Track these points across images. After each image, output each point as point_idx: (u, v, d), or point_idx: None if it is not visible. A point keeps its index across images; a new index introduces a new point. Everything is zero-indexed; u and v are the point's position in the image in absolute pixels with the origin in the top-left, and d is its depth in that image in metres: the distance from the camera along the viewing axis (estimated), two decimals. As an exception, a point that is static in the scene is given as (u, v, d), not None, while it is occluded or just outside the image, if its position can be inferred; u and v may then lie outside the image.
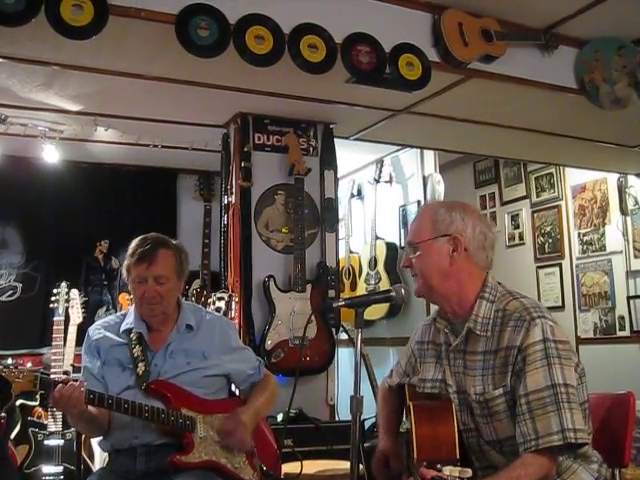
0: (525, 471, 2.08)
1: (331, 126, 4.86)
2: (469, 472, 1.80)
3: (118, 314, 3.14)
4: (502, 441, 2.25)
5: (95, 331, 3.00)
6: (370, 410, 4.55)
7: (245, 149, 4.56)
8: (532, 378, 2.15)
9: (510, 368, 2.20)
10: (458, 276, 2.35)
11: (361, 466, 3.86)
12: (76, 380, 2.65)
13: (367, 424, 5.08)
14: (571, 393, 2.13)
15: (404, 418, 2.73)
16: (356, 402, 2.27)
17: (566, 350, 2.19)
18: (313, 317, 4.45)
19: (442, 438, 2.23)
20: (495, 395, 2.22)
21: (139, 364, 2.85)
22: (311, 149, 4.80)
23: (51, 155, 5.10)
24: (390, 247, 6.16)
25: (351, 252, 6.55)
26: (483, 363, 2.28)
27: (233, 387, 3.18)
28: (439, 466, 1.83)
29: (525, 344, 2.17)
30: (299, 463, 3.21)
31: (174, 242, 3.01)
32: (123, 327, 2.96)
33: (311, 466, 3.58)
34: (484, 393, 2.24)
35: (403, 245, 6.18)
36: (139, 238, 2.95)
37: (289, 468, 3.35)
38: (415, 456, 2.19)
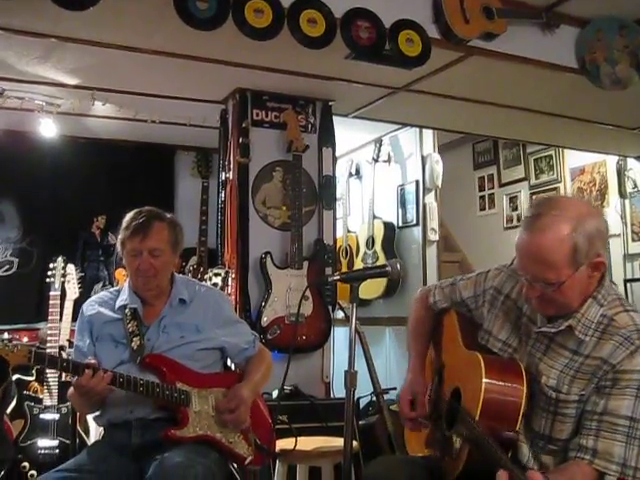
0: None
1: (330, 103, 4.84)
2: None
3: (112, 290, 3.13)
4: (553, 440, 2.16)
5: (89, 307, 3.00)
6: (365, 388, 4.61)
7: (243, 125, 4.55)
8: (615, 402, 2.03)
9: (595, 381, 2.08)
10: (589, 287, 2.16)
11: (355, 442, 3.90)
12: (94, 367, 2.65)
13: (362, 402, 5.12)
14: None
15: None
16: (350, 377, 2.27)
17: None
18: (309, 294, 4.45)
19: (509, 406, 2.10)
20: (570, 400, 2.11)
21: (134, 339, 2.85)
22: (309, 126, 4.78)
23: (48, 129, 5.07)
24: (388, 226, 6.16)
25: (349, 231, 6.55)
26: (569, 361, 2.14)
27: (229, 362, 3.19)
28: None
29: (622, 367, 2.04)
30: (294, 439, 3.21)
31: (168, 215, 3.00)
32: (118, 303, 2.96)
33: (306, 442, 3.60)
34: (558, 391, 2.13)
35: (401, 225, 6.18)
36: (133, 211, 2.94)
37: (284, 444, 3.36)
38: (477, 417, 2.09)
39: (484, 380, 2.12)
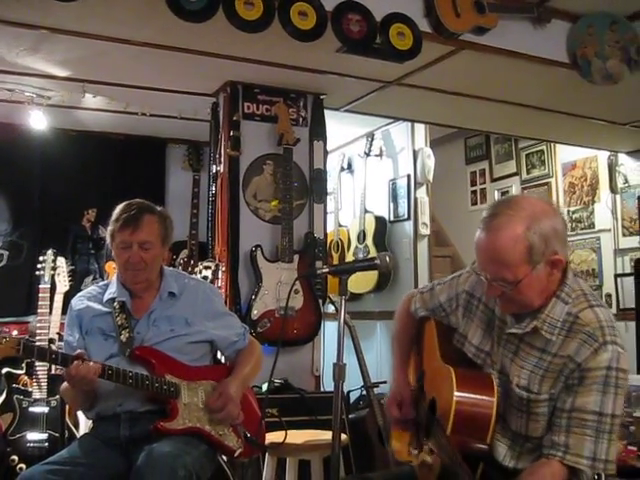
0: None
1: (321, 97, 4.83)
2: None
3: (100, 284, 3.13)
4: (530, 438, 2.20)
5: (78, 302, 3.00)
6: (355, 382, 4.61)
7: (234, 118, 4.54)
8: (582, 399, 2.07)
9: (563, 379, 2.12)
10: (550, 286, 2.18)
11: (345, 436, 3.91)
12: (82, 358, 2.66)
13: (353, 396, 5.12)
14: (615, 424, 2.07)
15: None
16: (338, 369, 2.26)
17: (624, 380, 2.09)
18: (300, 288, 4.46)
19: (479, 420, 2.13)
20: (540, 399, 2.15)
21: (122, 332, 2.85)
22: (301, 119, 4.78)
23: (38, 122, 5.05)
24: (379, 221, 6.16)
25: (340, 225, 6.55)
26: (538, 360, 2.17)
27: (218, 354, 3.19)
28: None
29: (588, 365, 2.07)
30: (284, 432, 3.21)
31: (159, 208, 3.00)
32: (107, 296, 2.96)
33: (296, 436, 3.60)
34: (529, 391, 2.16)
35: (392, 219, 6.18)
36: (124, 204, 2.94)
37: (274, 437, 3.36)
38: (448, 431, 2.10)
39: (455, 395, 2.14)
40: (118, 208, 2.93)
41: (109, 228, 2.93)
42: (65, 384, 2.82)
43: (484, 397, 2.15)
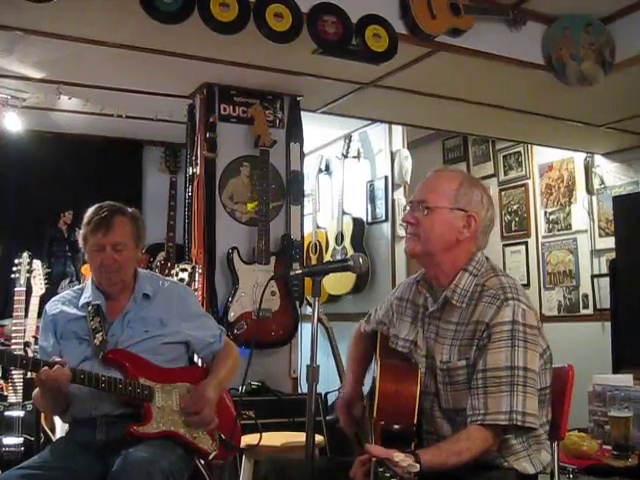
0: (468, 445, 2.11)
1: (298, 98, 4.84)
2: (417, 467, 1.83)
3: (75, 288, 3.10)
4: (458, 411, 2.26)
5: (52, 306, 2.98)
6: (334, 383, 4.62)
7: (210, 120, 4.53)
8: (493, 356, 2.17)
9: (475, 342, 2.23)
10: (457, 252, 2.37)
11: (321, 437, 3.90)
12: (62, 364, 2.64)
13: (331, 398, 5.12)
14: (529, 377, 2.16)
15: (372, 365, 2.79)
16: (312, 371, 2.25)
17: (533, 335, 2.21)
18: (277, 290, 4.46)
19: (403, 400, 2.22)
20: (458, 365, 2.25)
21: (96, 335, 2.82)
22: (277, 121, 4.78)
23: (13, 124, 5.01)
24: (357, 222, 6.17)
25: (318, 227, 6.55)
26: (454, 333, 2.30)
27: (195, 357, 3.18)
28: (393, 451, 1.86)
29: (493, 322, 2.20)
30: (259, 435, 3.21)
31: (130, 210, 2.99)
32: (82, 301, 2.94)
33: (272, 438, 3.60)
34: (449, 362, 2.27)
35: (370, 221, 6.19)
36: (94, 206, 2.92)
37: (251, 439, 3.35)
38: (374, 414, 2.19)
39: (378, 385, 2.26)
40: (89, 211, 2.91)
41: (81, 232, 2.91)
42: (37, 391, 2.81)
43: (407, 387, 2.26)
